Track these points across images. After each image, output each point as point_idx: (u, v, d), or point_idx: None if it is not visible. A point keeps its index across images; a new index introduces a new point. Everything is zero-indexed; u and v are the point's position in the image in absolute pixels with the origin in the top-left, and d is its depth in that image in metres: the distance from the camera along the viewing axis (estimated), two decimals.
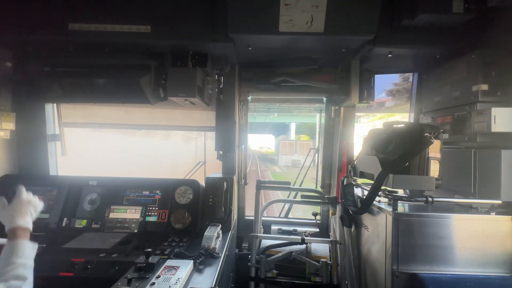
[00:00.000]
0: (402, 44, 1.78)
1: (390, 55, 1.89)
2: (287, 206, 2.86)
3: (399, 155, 1.43)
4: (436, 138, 1.43)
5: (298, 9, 1.66)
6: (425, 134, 1.41)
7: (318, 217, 2.58)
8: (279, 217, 2.78)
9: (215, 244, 1.60)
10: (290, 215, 2.86)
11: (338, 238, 2.11)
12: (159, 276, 1.23)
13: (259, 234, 2.22)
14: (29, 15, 1.72)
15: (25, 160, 2.23)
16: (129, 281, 1.21)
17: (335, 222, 2.23)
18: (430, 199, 1.40)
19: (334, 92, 2.34)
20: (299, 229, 2.52)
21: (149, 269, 1.29)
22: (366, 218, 1.80)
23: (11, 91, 2.05)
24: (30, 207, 1.22)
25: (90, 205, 1.96)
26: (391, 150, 1.52)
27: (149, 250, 1.36)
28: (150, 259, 1.32)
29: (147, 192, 2.00)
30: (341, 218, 2.05)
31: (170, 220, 1.90)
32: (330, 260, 2.13)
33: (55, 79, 1.90)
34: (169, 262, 1.36)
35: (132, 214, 1.92)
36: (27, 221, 1.16)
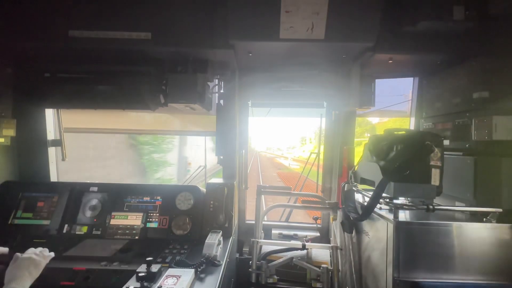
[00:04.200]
0: (403, 50, 1.78)
1: (390, 61, 1.89)
2: (287, 210, 2.86)
3: (400, 163, 1.44)
4: (437, 146, 1.43)
5: (299, 16, 1.66)
6: (426, 142, 1.41)
7: (318, 221, 2.59)
8: (279, 221, 2.78)
9: (216, 251, 1.60)
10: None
11: (338, 244, 2.11)
12: (160, 286, 1.23)
13: (260, 240, 2.22)
14: (30, 22, 1.72)
15: (25, 166, 2.23)
16: None
17: (335, 227, 2.23)
18: (431, 207, 1.40)
19: (334, 97, 2.35)
20: (300, 233, 2.52)
21: (150, 279, 1.29)
22: (367, 225, 1.81)
23: (11, 97, 2.05)
24: (30, 267, 1.24)
25: (91, 211, 1.96)
26: (392, 157, 1.52)
27: (151, 258, 1.36)
28: (152, 268, 1.32)
29: (148, 198, 2.00)
30: (342, 223, 2.05)
31: (171, 227, 1.89)
32: (331, 266, 2.14)
33: (55, 85, 1.90)
34: (171, 271, 1.36)
35: (133, 220, 1.92)
36: (21, 284, 1.17)
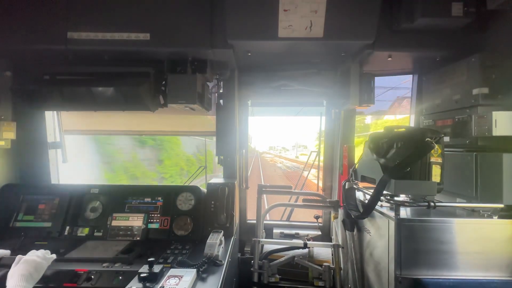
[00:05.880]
0: (402, 47, 1.78)
1: (389, 58, 1.89)
2: (288, 209, 2.86)
3: (401, 160, 1.43)
4: (437, 142, 1.43)
5: (297, 15, 1.66)
6: (426, 139, 1.40)
7: (320, 219, 2.59)
8: (281, 220, 2.78)
9: (218, 251, 1.60)
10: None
11: (340, 242, 2.11)
12: (162, 286, 1.23)
13: (261, 239, 2.22)
14: (28, 24, 1.72)
15: (26, 169, 2.23)
16: None
17: (337, 226, 2.23)
18: (432, 203, 1.40)
19: (334, 95, 2.35)
20: (301, 232, 2.52)
21: (152, 279, 1.29)
22: (368, 222, 1.80)
23: (11, 100, 2.05)
24: (32, 269, 1.24)
25: (92, 213, 1.96)
26: (393, 155, 1.52)
27: (152, 259, 1.36)
28: (154, 269, 1.32)
29: (149, 199, 2.00)
30: (343, 222, 2.05)
31: (172, 227, 1.90)
32: (333, 264, 2.14)
33: (55, 87, 1.90)
34: (173, 271, 1.36)
35: (134, 221, 1.92)
36: (23, 286, 1.17)
